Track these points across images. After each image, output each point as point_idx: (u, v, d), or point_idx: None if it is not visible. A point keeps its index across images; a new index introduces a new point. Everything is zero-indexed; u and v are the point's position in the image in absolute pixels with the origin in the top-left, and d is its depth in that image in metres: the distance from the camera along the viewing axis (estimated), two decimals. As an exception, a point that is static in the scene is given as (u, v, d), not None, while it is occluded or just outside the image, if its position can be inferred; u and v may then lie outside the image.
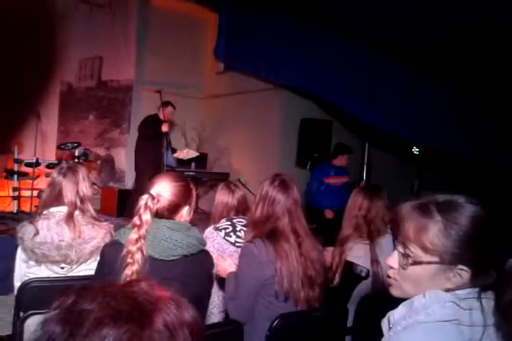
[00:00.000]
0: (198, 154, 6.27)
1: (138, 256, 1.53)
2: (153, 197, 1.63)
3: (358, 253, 2.39)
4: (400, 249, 1.06)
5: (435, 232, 1.01)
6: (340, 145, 5.48)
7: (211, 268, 1.84)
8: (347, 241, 2.44)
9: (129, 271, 1.52)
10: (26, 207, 5.50)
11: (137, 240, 1.55)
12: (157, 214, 1.65)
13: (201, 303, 1.70)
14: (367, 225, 2.45)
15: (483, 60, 4.65)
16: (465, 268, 1.00)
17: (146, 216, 1.60)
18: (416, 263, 1.03)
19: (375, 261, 2.34)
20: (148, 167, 5.48)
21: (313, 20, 5.44)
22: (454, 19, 4.02)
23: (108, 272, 1.62)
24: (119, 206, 5.97)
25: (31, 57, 6.42)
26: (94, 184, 5.99)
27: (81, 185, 2.15)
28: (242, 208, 2.70)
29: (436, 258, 1.01)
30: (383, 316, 1.10)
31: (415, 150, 6.33)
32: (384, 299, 1.22)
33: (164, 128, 5.44)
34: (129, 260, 1.53)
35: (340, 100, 5.67)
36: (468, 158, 5.59)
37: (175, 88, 7.60)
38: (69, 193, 2.12)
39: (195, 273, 1.68)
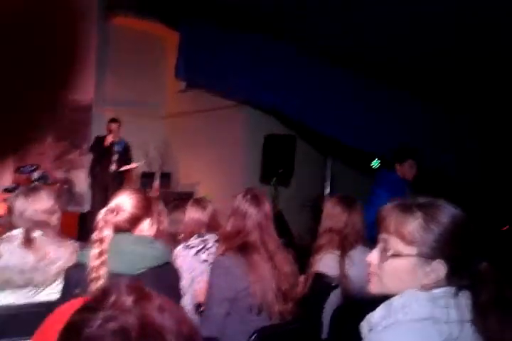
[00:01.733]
0: (138, 164, 6.22)
1: (102, 271, 1.53)
2: (112, 210, 1.63)
3: (327, 263, 2.40)
4: (381, 244, 1.10)
5: (415, 226, 1.05)
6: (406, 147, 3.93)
7: (178, 281, 1.83)
8: (319, 252, 2.45)
9: (95, 287, 1.51)
10: (-17, 234, 5.25)
11: (100, 254, 1.55)
12: (117, 228, 1.64)
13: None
14: (341, 238, 2.45)
15: (447, 71, 4.81)
16: (442, 262, 1.03)
17: (107, 230, 1.59)
18: (396, 255, 1.06)
19: (343, 273, 2.36)
20: (101, 186, 5.77)
21: (272, 35, 5.55)
22: (409, 29, 4.16)
23: (76, 294, 1.57)
24: (80, 230, 5.79)
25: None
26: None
27: (34, 207, 2.09)
28: (213, 224, 2.69)
29: (414, 251, 1.05)
30: (357, 325, 1.12)
31: (375, 163, 6.47)
32: (356, 309, 1.24)
33: (106, 141, 5.73)
34: (94, 275, 1.52)
35: (301, 115, 5.76)
36: (426, 169, 5.76)
37: (136, 107, 7.55)
38: (22, 216, 2.06)
39: (162, 285, 1.65)
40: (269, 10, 4.72)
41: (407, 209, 1.08)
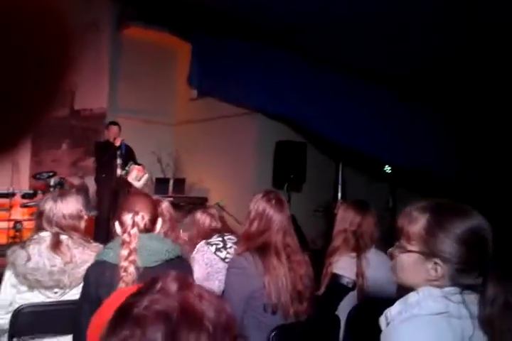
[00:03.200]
0: (140, 185, 5.76)
1: (131, 269, 1.69)
2: (137, 214, 1.79)
3: (343, 265, 2.46)
4: (397, 242, 1.23)
5: (420, 226, 1.16)
6: None
7: (191, 273, 1.97)
8: (334, 254, 2.52)
9: (123, 284, 1.67)
10: (3, 239, 5.38)
11: (129, 254, 1.71)
12: (142, 230, 1.81)
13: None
14: (355, 240, 2.52)
15: (456, 80, 4.83)
16: (440, 262, 1.12)
17: (134, 231, 1.76)
18: (403, 251, 1.19)
19: (360, 274, 2.42)
20: (108, 192, 5.74)
21: (283, 45, 5.63)
22: (420, 43, 4.19)
23: (96, 288, 1.73)
24: (97, 235, 5.89)
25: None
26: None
27: (62, 212, 2.16)
28: (224, 229, 2.80)
29: (416, 248, 1.16)
30: (373, 324, 1.20)
31: (387, 168, 6.52)
32: (372, 308, 1.31)
33: (117, 142, 5.65)
34: (123, 273, 1.67)
35: (311, 123, 5.82)
36: (439, 176, 5.79)
37: (148, 115, 7.69)
38: (51, 220, 2.15)
39: None
40: (280, 22, 4.79)
41: (420, 210, 1.19)
